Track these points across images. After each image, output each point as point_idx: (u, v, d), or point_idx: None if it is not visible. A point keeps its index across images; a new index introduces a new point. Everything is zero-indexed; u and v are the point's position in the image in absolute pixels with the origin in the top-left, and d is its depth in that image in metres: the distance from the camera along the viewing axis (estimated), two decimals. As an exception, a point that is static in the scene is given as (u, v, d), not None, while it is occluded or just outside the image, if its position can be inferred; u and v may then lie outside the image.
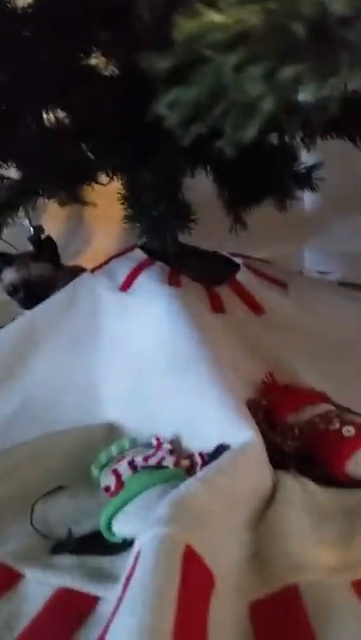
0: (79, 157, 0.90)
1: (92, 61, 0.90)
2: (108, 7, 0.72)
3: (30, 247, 1.42)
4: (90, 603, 0.49)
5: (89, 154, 0.89)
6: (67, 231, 1.78)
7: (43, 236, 1.60)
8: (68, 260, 2.00)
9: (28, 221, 1.50)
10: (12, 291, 1.07)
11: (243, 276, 0.98)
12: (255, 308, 0.93)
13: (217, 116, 0.23)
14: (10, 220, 1.25)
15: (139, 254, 0.98)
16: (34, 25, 0.82)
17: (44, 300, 0.97)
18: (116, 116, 0.81)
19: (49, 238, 1.14)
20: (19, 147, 0.94)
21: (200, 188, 1.02)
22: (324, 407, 0.73)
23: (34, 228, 1.56)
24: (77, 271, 1.03)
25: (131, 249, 1.00)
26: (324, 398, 0.76)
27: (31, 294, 1.04)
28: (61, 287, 0.97)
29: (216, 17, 0.21)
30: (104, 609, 0.47)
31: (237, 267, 1.01)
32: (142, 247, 1.00)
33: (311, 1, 0.22)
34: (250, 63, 0.21)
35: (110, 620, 0.41)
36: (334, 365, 0.85)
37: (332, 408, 0.73)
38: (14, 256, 1.11)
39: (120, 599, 0.42)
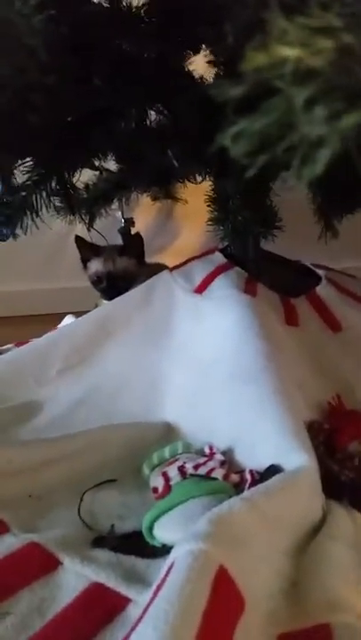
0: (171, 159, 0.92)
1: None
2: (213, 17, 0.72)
3: (120, 239, 1.47)
4: (121, 603, 0.50)
5: (174, 160, 0.89)
6: (155, 225, 1.81)
7: (133, 230, 1.65)
8: (152, 254, 2.04)
9: (120, 213, 1.55)
10: (97, 280, 1.12)
11: (323, 289, 0.95)
12: (333, 324, 0.90)
13: (284, 150, 0.22)
14: (103, 211, 1.30)
15: (218, 258, 0.98)
16: (143, 25, 0.84)
17: (124, 292, 0.99)
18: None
19: (138, 235, 1.17)
20: (119, 142, 0.96)
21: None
22: (389, 440, 0.69)
23: (125, 220, 1.60)
24: (159, 269, 1.05)
25: (211, 251, 1.00)
26: (391, 429, 0.72)
27: (113, 286, 1.09)
28: (142, 283, 0.99)
29: (287, 51, 0.20)
30: (133, 612, 0.48)
31: (319, 279, 0.98)
32: (222, 250, 0.99)
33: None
34: (316, 102, 0.20)
35: (135, 626, 0.42)
36: None
37: None
38: (102, 248, 1.15)
39: (147, 608, 0.42)
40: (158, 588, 0.44)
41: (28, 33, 0.52)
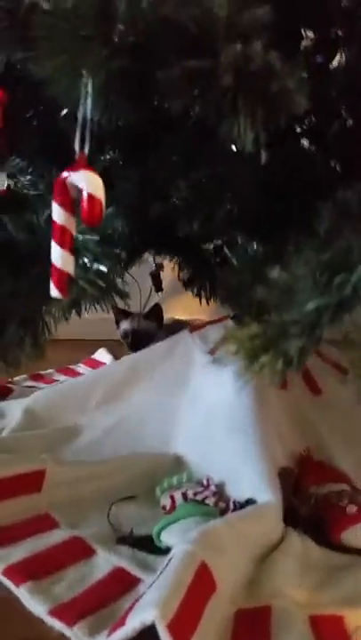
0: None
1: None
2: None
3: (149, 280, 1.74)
4: (135, 581, 0.73)
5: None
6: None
7: (162, 273, 1.92)
8: (180, 292, 2.31)
9: (152, 259, 1.81)
10: (124, 336, 1.44)
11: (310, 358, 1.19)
12: (313, 389, 1.14)
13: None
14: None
15: (230, 324, 1.22)
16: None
17: (145, 347, 1.27)
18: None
19: (158, 305, 1.48)
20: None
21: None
22: (341, 487, 0.92)
23: (156, 265, 1.87)
24: (174, 326, 1.34)
25: (225, 318, 1.24)
26: (346, 480, 0.95)
27: (136, 341, 1.39)
28: (159, 339, 1.27)
29: None
30: (143, 587, 0.71)
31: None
32: (233, 318, 1.23)
33: None
34: None
35: (142, 595, 0.66)
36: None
37: (349, 489, 0.92)
38: (130, 313, 1.47)
39: (152, 584, 0.67)
40: (160, 572, 0.68)
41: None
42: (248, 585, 0.73)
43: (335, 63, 0.89)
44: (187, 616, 0.61)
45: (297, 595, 0.71)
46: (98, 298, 0.71)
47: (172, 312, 2.08)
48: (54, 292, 0.59)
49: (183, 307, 2.12)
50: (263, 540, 0.79)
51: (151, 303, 1.87)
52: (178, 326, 1.38)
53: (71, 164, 0.59)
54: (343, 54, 0.87)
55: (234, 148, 0.61)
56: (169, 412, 1.13)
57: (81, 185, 0.57)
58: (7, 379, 1.48)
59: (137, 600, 0.66)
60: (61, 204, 0.60)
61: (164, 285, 1.93)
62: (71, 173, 0.59)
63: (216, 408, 1.05)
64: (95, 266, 0.65)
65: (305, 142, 0.92)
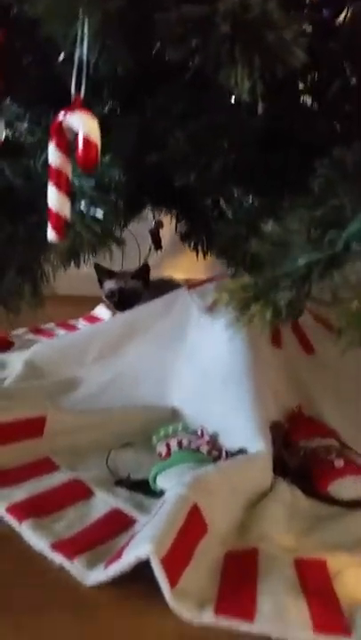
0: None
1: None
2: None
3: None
4: (131, 521, 0.77)
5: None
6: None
7: (161, 230, 1.92)
8: (179, 251, 2.31)
9: (151, 215, 1.81)
10: (110, 295, 1.43)
11: (303, 317, 1.22)
12: (307, 348, 1.17)
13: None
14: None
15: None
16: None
17: (132, 306, 1.28)
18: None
19: (146, 264, 1.47)
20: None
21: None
22: (330, 441, 0.96)
23: (155, 222, 1.88)
24: (161, 284, 1.38)
25: (223, 277, 1.26)
26: (334, 435, 0.99)
27: (124, 301, 1.39)
28: (146, 299, 1.29)
29: None
30: (138, 527, 0.76)
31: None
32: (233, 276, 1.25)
33: None
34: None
35: (137, 533, 0.70)
36: (356, 410, 1.08)
37: (337, 444, 0.96)
38: (114, 272, 1.46)
39: (147, 523, 0.71)
40: (155, 513, 0.72)
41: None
42: (238, 528, 0.77)
43: (341, 19, 0.88)
44: (179, 553, 0.66)
45: (284, 539, 0.75)
46: (94, 244, 0.72)
47: (172, 271, 2.10)
48: (51, 235, 0.60)
49: (182, 266, 2.13)
50: (253, 486, 0.83)
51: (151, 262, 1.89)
52: (165, 286, 1.40)
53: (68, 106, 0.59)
54: (349, 10, 0.86)
55: (233, 100, 0.61)
56: (165, 367, 1.16)
57: (77, 127, 0.57)
58: (8, 332, 1.51)
59: (132, 537, 0.70)
60: (57, 146, 0.60)
61: (163, 244, 1.94)
62: (67, 115, 0.58)
63: (212, 364, 1.08)
64: (92, 211, 0.66)
65: (307, 99, 0.91)
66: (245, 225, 0.69)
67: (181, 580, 0.64)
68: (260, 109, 0.59)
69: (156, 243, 1.96)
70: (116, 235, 0.74)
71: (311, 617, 0.61)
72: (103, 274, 1.45)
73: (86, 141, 0.55)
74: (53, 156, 0.60)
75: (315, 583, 0.67)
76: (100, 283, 1.47)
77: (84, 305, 1.59)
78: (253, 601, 0.63)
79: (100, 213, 0.66)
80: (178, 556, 0.65)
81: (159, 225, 1.92)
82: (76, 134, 0.57)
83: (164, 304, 1.24)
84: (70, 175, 0.60)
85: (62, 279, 1.17)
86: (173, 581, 0.62)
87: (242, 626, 0.60)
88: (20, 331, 1.56)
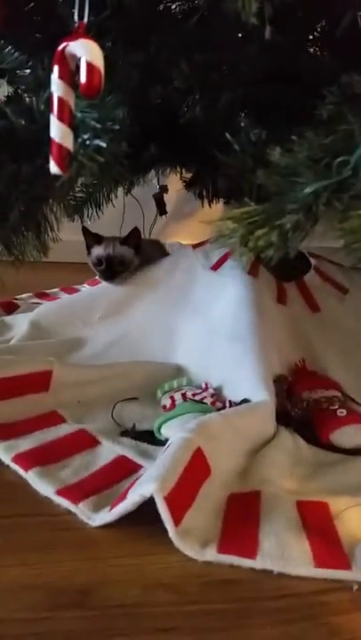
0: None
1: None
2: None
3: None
4: (136, 467, 0.79)
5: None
6: (186, 192, 2.06)
7: (165, 196, 1.91)
8: (183, 218, 2.29)
9: (156, 180, 1.79)
10: (97, 263, 1.28)
11: (310, 277, 1.21)
12: (312, 306, 1.17)
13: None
14: (141, 180, 1.54)
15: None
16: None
17: (120, 274, 1.23)
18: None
19: (136, 229, 1.30)
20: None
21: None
22: (333, 393, 0.97)
23: (160, 187, 1.86)
24: (151, 245, 1.36)
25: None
26: (337, 387, 1.00)
27: (112, 269, 1.25)
28: (136, 266, 1.25)
29: None
30: (142, 472, 0.77)
31: (310, 266, 1.24)
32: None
33: None
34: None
35: (140, 476, 0.72)
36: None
37: (339, 395, 0.97)
38: (103, 238, 1.31)
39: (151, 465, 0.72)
40: (160, 459, 0.73)
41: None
42: (240, 473, 0.78)
43: None
44: (182, 493, 0.67)
45: (286, 483, 0.77)
46: (97, 175, 0.71)
47: (176, 237, 2.09)
48: (54, 168, 0.59)
49: (187, 232, 2.12)
50: (256, 433, 0.84)
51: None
52: (153, 243, 1.38)
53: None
54: None
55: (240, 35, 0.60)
56: (170, 325, 1.16)
57: (80, 53, 0.55)
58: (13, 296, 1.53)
59: (137, 479, 0.71)
60: (60, 76, 0.58)
61: (168, 209, 1.92)
62: (70, 43, 0.56)
63: (217, 321, 1.08)
64: (95, 142, 0.65)
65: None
66: (252, 156, 0.68)
67: (184, 520, 0.66)
68: (267, 34, 0.57)
69: (161, 208, 1.94)
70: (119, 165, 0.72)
71: (312, 553, 0.63)
72: (91, 238, 1.30)
73: (90, 67, 0.53)
74: (56, 85, 0.58)
75: (316, 523, 0.68)
76: (88, 248, 1.32)
77: (88, 271, 1.56)
78: (256, 539, 0.65)
79: (103, 142, 0.65)
80: (181, 495, 0.67)
81: (164, 190, 1.91)
82: (79, 60, 0.55)
83: (169, 263, 1.24)
84: (73, 107, 0.59)
85: (66, 247, 1.13)
86: (177, 520, 0.64)
87: (244, 562, 0.62)
88: (25, 294, 1.57)
